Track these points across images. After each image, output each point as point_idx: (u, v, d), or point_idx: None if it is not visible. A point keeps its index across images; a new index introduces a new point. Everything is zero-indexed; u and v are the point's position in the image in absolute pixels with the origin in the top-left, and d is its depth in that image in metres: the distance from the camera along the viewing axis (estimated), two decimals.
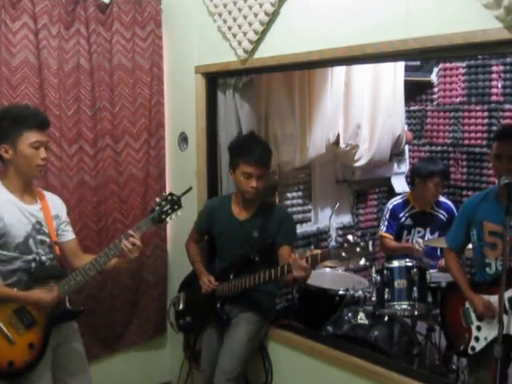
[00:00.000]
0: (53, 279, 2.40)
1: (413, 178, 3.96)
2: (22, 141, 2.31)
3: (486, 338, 2.55)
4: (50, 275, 2.41)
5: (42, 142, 2.35)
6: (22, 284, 2.36)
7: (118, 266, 2.56)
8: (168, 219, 2.48)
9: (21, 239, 2.36)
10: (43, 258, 2.43)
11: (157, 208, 2.46)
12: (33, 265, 2.40)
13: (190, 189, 2.58)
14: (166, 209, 2.46)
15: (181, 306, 3.08)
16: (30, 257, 2.39)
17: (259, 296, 2.85)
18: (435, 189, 3.82)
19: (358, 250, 2.37)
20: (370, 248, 2.36)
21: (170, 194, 2.48)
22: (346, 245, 2.40)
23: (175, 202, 2.47)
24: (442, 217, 3.91)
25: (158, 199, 2.48)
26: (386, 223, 3.96)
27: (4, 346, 2.32)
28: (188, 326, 3.08)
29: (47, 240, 2.45)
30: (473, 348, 2.59)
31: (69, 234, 2.59)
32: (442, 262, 3.71)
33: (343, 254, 2.39)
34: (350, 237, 2.44)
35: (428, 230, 3.92)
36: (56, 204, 2.56)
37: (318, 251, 3.75)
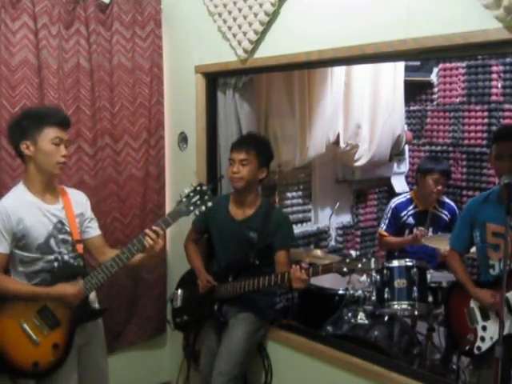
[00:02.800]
0: (75, 278, 2.38)
1: (416, 174, 3.99)
2: (43, 137, 2.31)
3: (491, 338, 2.54)
4: (72, 274, 2.39)
5: (63, 139, 2.35)
6: (46, 284, 2.37)
7: (142, 261, 2.48)
8: (196, 212, 2.37)
9: (42, 240, 2.36)
10: (65, 256, 2.43)
11: (184, 199, 2.36)
12: (55, 264, 2.40)
13: (221, 177, 2.52)
14: (194, 200, 2.35)
15: (178, 304, 3.07)
16: (52, 257, 2.39)
17: (257, 296, 2.84)
18: (434, 185, 3.82)
19: (359, 266, 2.38)
20: (373, 265, 2.37)
21: (200, 185, 2.38)
22: (348, 260, 2.41)
23: (205, 193, 2.36)
24: (444, 217, 3.91)
25: (186, 190, 2.37)
26: (386, 222, 3.96)
27: (28, 346, 2.32)
28: (185, 325, 3.07)
29: (69, 239, 2.44)
30: (479, 348, 2.58)
31: (92, 231, 2.57)
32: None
33: (344, 269, 2.40)
34: (352, 252, 2.46)
35: (430, 229, 3.91)
36: (79, 201, 2.55)
37: (319, 250, 3.75)
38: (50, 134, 2.32)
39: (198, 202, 2.35)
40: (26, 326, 2.33)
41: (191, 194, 2.36)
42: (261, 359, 3.08)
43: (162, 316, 3.59)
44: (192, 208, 2.35)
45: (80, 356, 2.52)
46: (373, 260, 2.36)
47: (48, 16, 2.97)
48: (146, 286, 3.51)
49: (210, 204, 2.37)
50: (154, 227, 2.34)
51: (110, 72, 3.25)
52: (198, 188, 2.36)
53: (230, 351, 2.78)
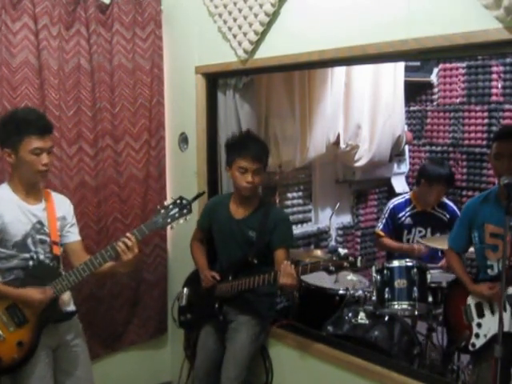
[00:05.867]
0: (48, 279, 2.37)
1: (419, 177, 3.94)
2: (23, 147, 2.30)
3: (485, 335, 2.57)
4: (45, 275, 2.39)
5: (43, 149, 2.32)
6: (19, 282, 2.36)
7: (113, 269, 2.47)
8: (174, 224, 2.36)
9: (19, 238, 2.37)
10: (41, 256, 2.42)
11: (162, 211, 2.35)
12: (30, 263, 2.40)
13: (202, 193, 2.52)
14: (172, 213, 2.35)
15: (183, 302, 3.08)
16: (28, 255, 2.39)
17: (257, 298, 2.84)
18: (439, 193, 3.83)
19: (345, 264, 2.41)
20: (359, 264, 2.40)
21: (180, 198, 2.37)
22: (334, 258, 2.43)
23: (184, 207, 2.36)
24: (443, 217, 3.90)
25: (166, 202, 2.38)
26: (383, 221, 3.97)
27: None
28: (188, 323, 3.09)
29: (47, 240, 2.44)
30: (473, 345, 2.61)
31: (72, 236, 2.56)
32: (444, 262, 3.71)
33: (331, 268, 2.42)
34: (340, 250, 2.48)
35: (429, 230, 3.91)
36: (63, 206, 2.55)
37: (319, 251, 3.75)
38: (29, 144, 2.29)
39: (176, 215, 2.35)
40: None
41: (170, 207, 2.35)
42: (261, 359, 3.08)
43: (163, 316, 3.60)
44: (169, 220, 2.35)
45: (57, 360, 2.51)
46: (359, 259, 2.40)
47: (48, 17, 2.97)
48: (147, 286, 3.52)
49: (188, 217, 2.37)
50: (127, 234, 2.33)
51: (111, 73, 3.25)
52: (178, 201, 2.36)
53: (236, 357, 2.80)
